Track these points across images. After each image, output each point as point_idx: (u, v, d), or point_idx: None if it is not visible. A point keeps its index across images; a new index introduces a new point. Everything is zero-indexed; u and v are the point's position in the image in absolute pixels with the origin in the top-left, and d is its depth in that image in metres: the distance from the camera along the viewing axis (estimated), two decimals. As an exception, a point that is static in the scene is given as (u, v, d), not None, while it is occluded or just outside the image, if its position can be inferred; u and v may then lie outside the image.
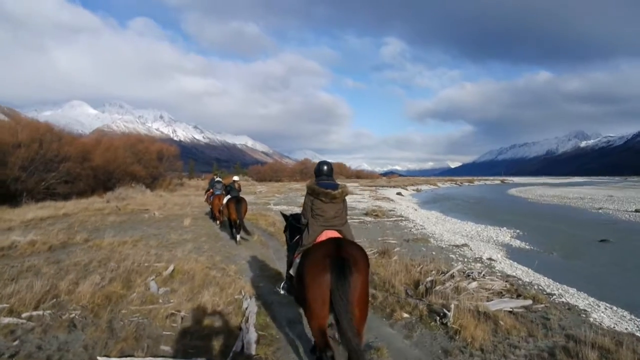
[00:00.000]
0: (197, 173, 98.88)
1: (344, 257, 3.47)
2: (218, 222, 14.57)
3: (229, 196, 12.29)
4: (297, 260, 4.09)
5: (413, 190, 60.61)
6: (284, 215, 5.77)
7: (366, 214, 20.42)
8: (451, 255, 10.64)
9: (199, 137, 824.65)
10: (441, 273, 7.05)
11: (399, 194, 46.70)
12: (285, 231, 5.62)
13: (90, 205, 21.75)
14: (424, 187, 70.23)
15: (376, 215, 19.84)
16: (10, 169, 25.15)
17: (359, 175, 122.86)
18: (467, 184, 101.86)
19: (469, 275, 7.00)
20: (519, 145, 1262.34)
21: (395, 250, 9.92)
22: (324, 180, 4.37)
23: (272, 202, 27.59)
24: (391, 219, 18.97)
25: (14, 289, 5.59)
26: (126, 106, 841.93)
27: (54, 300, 5.45)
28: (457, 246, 12.25)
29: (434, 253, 10.74)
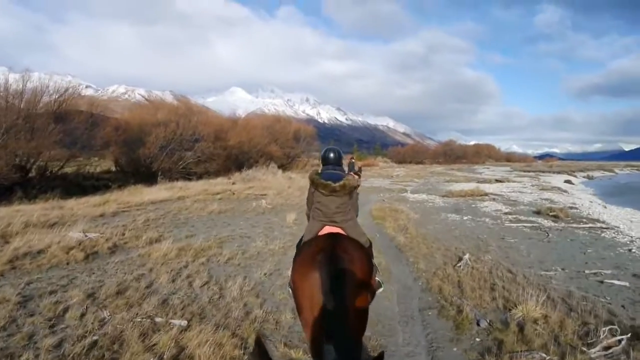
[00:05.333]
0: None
1: (338, 253, 2.78)
2: None
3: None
4: None
5: (583, 177, 49.09)
6: None
7: (538, 213, 14.35)
8: None
9: (341, 118, 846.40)
10: None
11: (567, 182, 37.12)
12: None
13: (212, 187, 20.33)
14: (596, 174, 56.69)
15: (555, 217, 13.61)
16: (149, 148, 25.55)
17: (509, 158, 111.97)
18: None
19: None
20: None
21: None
22: (329, 170, 3.61)
23: (409, 189, 22.96)
24: (581, 224, 12.60)
25: None
26: (276, 90, 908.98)
27: None
28: None
29: None
